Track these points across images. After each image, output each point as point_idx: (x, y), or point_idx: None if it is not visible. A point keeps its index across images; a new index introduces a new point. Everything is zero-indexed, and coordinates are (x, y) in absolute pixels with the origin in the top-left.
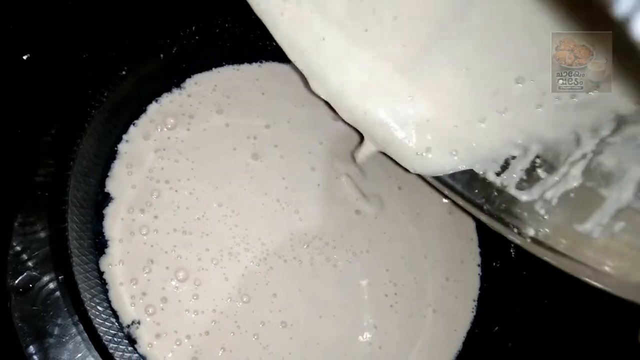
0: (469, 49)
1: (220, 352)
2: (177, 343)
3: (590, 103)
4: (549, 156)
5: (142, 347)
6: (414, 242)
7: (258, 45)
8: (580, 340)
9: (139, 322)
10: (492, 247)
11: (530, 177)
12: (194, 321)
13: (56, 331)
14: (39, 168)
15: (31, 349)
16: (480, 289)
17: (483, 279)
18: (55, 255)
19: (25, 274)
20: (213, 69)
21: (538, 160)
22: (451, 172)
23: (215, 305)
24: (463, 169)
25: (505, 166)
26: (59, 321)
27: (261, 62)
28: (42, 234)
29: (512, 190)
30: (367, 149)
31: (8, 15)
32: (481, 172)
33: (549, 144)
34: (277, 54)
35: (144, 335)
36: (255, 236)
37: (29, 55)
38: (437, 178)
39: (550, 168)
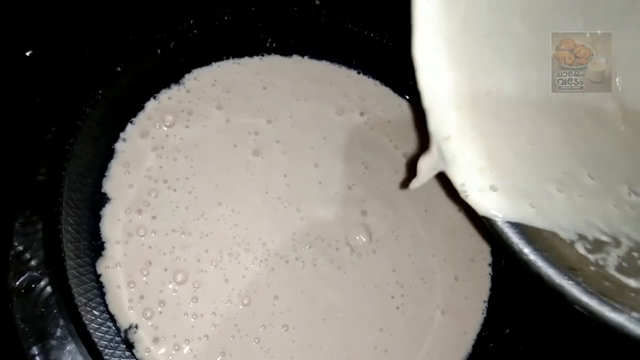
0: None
1: (220, 356)
2: (176, 348)
3: None
4: None
5: (140, 351)
6: (422, 240)
7: (259, 38)
8: (595, 345)
9: (136, 326)
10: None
11: (632, 264)
12: (193, 325)
13: (58, 333)
14: (41, 167)
15: (34, 350)
16: (491, 289)
17: (494, 278)
18: (49, 258)
19: (27, 274)
20: (212, 63)
21: (636, 254)
22: (523, 222)
23: (215, 308)
24: (540, 226)
25: (598, 246)
26: (61, 322)
27: (262, 55)
28: (43, 234)
29: (613, 271)
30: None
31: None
32: (568, 241)
33: (638, 243)
34: (279, 47)
35: (141, 340)
36: (256, 236)
37: (30, 52)
38: (516, 225)
39: None
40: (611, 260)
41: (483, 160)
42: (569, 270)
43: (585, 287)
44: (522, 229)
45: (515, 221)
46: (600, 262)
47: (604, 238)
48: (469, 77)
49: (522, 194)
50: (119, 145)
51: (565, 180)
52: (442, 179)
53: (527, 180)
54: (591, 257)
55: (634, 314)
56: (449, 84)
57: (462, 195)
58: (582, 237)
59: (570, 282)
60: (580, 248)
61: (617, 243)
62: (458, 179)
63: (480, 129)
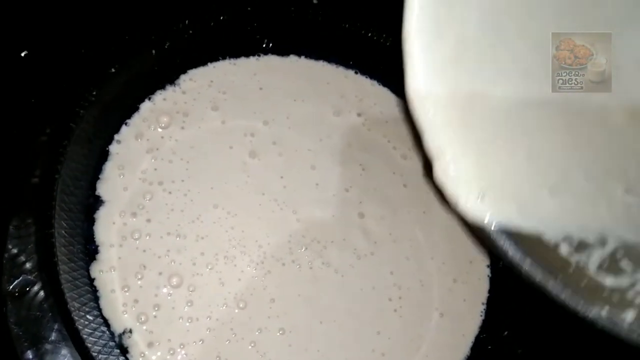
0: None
1: None
2: (171, 352)
3: None
4: (632, 254)
5: (135, 356)
6: (420, 243)
7: (255, 38)
8: (594, 347)
9: (131, 331)
10: None
11: (613, 267)
12: (188, 329)
13: (52, 337)
14: (36, 169)
15: (28, 354)
16: (490, 291)
17: (492, 280)
18: (42, 262)
19: (21, 277)
20: (208, 63)
21: (619, 255)
22: (510, 227)
23: (211, 312)
24: (527, 230)
25: (581, 247)
26: (56, 326)
27: (259, 55)
28: (35, 237)
29: (593, 272)
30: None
31: None
32: (552, 243)
33: (629, 244)
34: (275, 47)
35: (136, 344)
36: (252, 238)
37: (25, 52)
38: (503, 230)
39: (637, 265)
40: (592, 261)
41: (474, 168)
42: (550, 270)
43: (564, 286)
44: (509, 233)
45: (502, 225)
46: (581, 264)
47: (591, 239)
48: (465, 81)
49: (511, 201)
50: (113, 148)
51: (559, 184)
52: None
53: (519, 187)
54: (573, 258)
55: (603, 312)
56: (442, 89)
57: (452, 203)
58: (567, 238)
59: (551, 282)
60: (563, 249)
61: (603, 243)
62: (448, 189)
63: (473, 135)
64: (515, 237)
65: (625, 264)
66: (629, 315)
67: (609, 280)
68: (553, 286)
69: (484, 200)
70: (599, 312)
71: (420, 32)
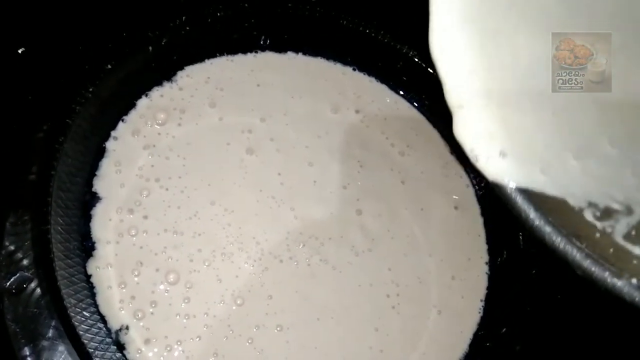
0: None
1: (213, 357)
2: (168, 349)
3: None
4: None
5: (131, 353)
6: (418, 239)
7: (252, 34)
8: (593, 344)
9: (127, 327)
10: (500, 243)
11: None
12: (185, 325)
13: (50, 333)
14: (32, 166)
15: (25, 350)
16: (488, 288)
17: (490, 277)
18: (39, 258)
19: (18, 274)
20: (205, 60)
21: None
22: (532, 188)
23: (208, 309)
24: (551, 193)
25: (608, 214)
26: (53, 323)
27: (256, 52)
28: (31, 234)
29: (620, 240)
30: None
31: None
32: (576, 208)
33: None
34: (273, 44)
35: (133, 341)
36: (249, 235)
37: (22, 49)
38: (524, 191)
39: None
40: (619, 228)
41: (496, 125)
42: (574, 236)
43: (589, 253)
44: (530, 195)
45: (524, 187)
46: (608, 230)
47: (616, 206)
48: (489, 42)
49: (534, 161)
50: (110, 144)
51: (584, 148)
52: (440, 176)
53: (542, 148)
54: (599, 224)
55: (634, 280)
56: (465, 49)
57: (472, 160)
58: (592, 205)
59: (574, 248)
60: (588, 215)
61: (630, 211)
62: (467, 144)
63: (497, 95)
64: (537, 198)
65: None
66: None
67: (637, 250)
68: (576, 253)
69: (506, 159)
70: (627, 282)
71: None
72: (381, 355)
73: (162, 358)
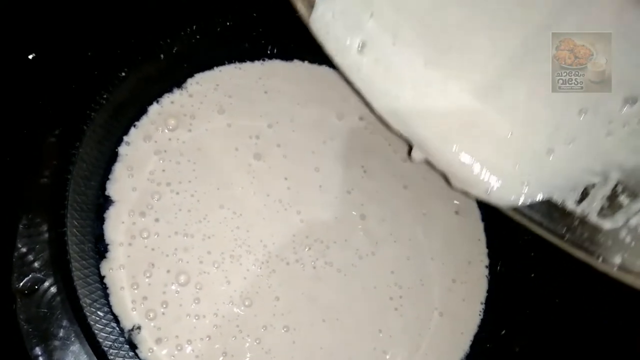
0: (529, 88)
1: (222, 357)
2: (178, 348)
3: None
4: (630, 182)
5: (143, 352)
6: (420, 243)
7: (260, 43)
8: (590, 345)
9: (139, 327)
10: (500, 248)
11: (612, 205)
12: (195, 326)
13: (61, 333)
14: (45, 169)
15: (37, 350)
16: (488, 291)
17: (490, 281)
18: (55, 259)
19: (30, 275)
20: (215, 67)
21: (619, 187)
22: (526, 203)
23: (217, 309)
24: (540, 199)
25: (585, 194)
26: (64, 323)
27: (264, 60)
28: (47, 236)
29: (594, 219)
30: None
31: (5, 16)
32: (560, 201)
33: (628, 170)
34: (280, 52)
35: (145, 341)
36: (257, 238)
37: (33, 55)
38: (515, 209)
39: (633, 194)
40: (595, 205)
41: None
42: (557, 228)
43: (572, 240)
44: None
45: (518, 204)
46: (586, 211)
47: (594, 179)
48: None
49: (520, 174)
50: (122, 149)
51: (554, 137)
52: (441, 182)
53: (524, 156)
54: (578, 209)
55: (600, 260)
56: None
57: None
58: (573, 190)
59: (558, 239)
60: (569, 204)
61: (606, 179)
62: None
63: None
64: (530, 207)
65: (622, 198)
66: (617, 259)
67: (607, 224)
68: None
69: (497, 187)
70: (597, 261)
71: None
72: (384, 356)
73: (173, 357)
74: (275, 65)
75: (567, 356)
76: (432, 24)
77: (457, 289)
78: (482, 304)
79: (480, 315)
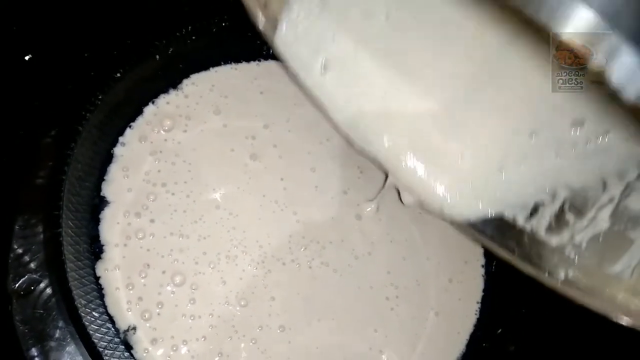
0: (482, 109)
1: (218, 357)
2: (174, 348)
3: (607, 149)
4: (577, 201)
5: (139, 352)
6: (416, 243)
7: (256, 43)
8: (586, 344)
9: (135, 328)
10: None
11: (559, 222)
12: (190, 326)
13: (57, 334)
14: (40, 170)
15: (33, 351)
16: (484, 290)
17: (486, 280)
18: (50, 260)
19: (26, 276)
20: (210, 68)
21: (567, 205)
22: (478, 219)
23: (213, 310)
24: (491, 215)
25: (535, 211)
26: (60, 324)
27: (259, 60)
28: (43, 237)
29: (542, 235)
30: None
31: (1, 17)
32: (511, 217)
33: (576, 190)
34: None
35: (140, 341)
36: (253, 239)
37: (29, 56)
38: (469, 224)
39: (579, 213)
40: (544, 222)
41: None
42: (508, 243)
43: (521, 255)
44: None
45: (470, 220)
46: (535, 228)
47: (543, 197)
48: None
49: (473, 190)
50: (118, 150)
51: (506, 157)
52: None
53: (477, 173)
54: (527, 225)
55: (546, 274)
56: None
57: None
58: (523, 207)
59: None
60: (520, 220)
61: (554, 198)
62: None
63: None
64: (484, 222)
65: (569, 216)
66: (562, 274)
67: (554, 240)
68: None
69: (456, 201)
70: (544, 275)
71: None
72: (380, 356)
73: (168, 358)
74: (271, 66)
75: (563, 355)
76: (388, 53)
77: (453, 289)
78: (478, 303)
79: (476, 314)
